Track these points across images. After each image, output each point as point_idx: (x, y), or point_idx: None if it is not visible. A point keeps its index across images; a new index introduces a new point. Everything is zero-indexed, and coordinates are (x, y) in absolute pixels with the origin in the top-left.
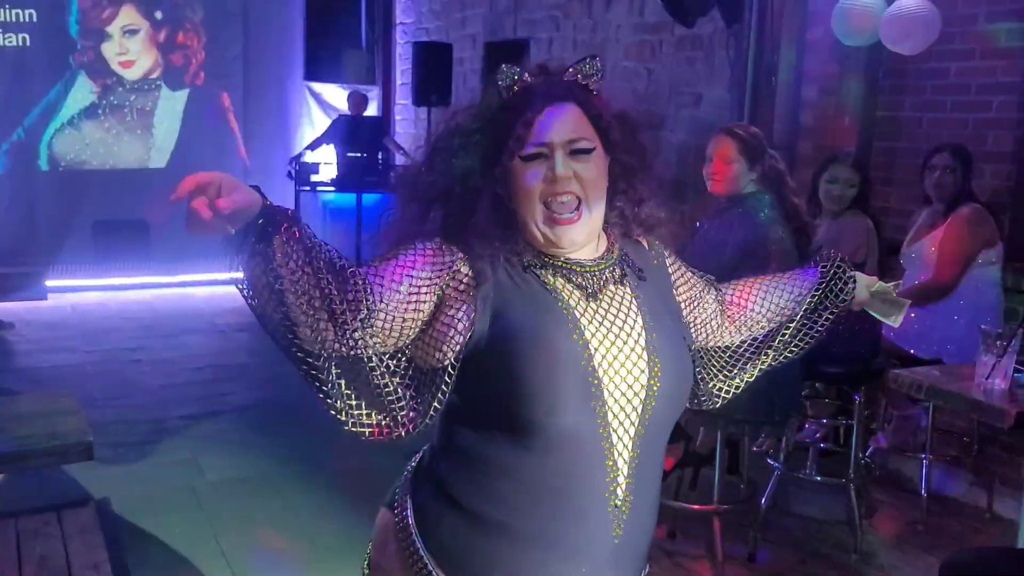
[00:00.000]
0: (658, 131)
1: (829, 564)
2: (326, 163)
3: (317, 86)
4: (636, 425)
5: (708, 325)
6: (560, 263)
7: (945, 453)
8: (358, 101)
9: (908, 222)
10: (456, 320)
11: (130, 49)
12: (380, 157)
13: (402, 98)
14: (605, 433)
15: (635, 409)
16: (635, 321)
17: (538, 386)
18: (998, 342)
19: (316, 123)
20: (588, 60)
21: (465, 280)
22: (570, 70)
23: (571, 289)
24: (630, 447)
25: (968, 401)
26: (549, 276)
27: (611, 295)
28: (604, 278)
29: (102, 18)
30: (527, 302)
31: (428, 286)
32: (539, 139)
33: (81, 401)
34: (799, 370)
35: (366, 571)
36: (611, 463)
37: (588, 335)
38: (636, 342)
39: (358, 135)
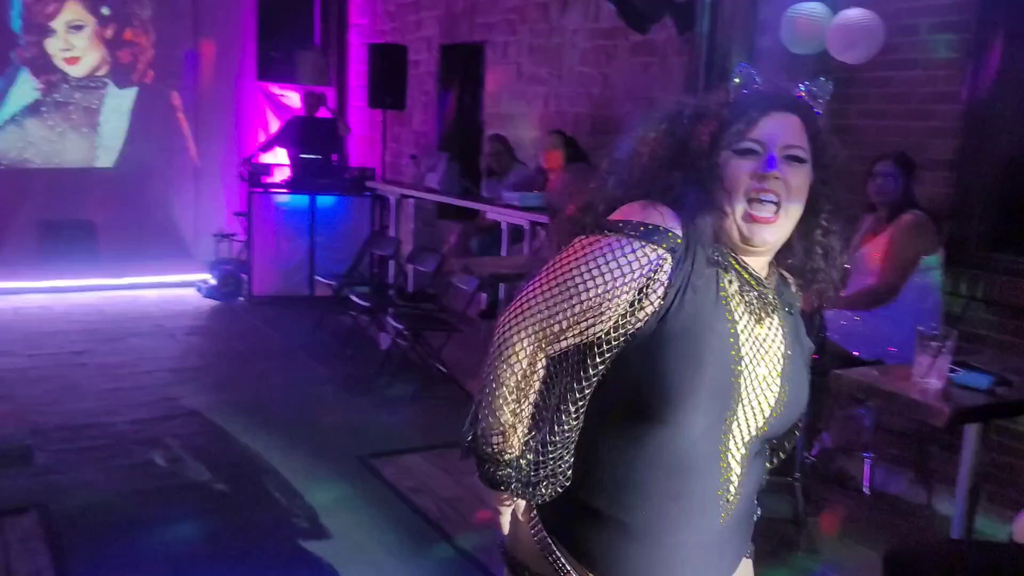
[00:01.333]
0: (613, 135)
1: (776, 560)
2: (279, 164)
3: (270, 86)
4: (752, 436)
5: None
6: (739, 267)
7: (887, 452)
8: (313, 101)
9: (853, 228)
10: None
11: (75, 45)
12: (335, 159)
13: (357, 100)
14: (725, 447)
15: (758, 427)
16: (779, 348)
17: (683, 396)
18: (933, 343)
19: (269, 124)
20: (822, 81)
21: (664, 269)
22: (802, 86)
23: (741, 304)
24: (742, 453)
25: (905, 401)
26: (726, 282)
27: (770, 324)
28: (769, 303)
29: (46, 13)
30: (700, 304)
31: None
32: (758, 136)
33: (24, 406)
34: None
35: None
36: (725, 468)
37: (743, 353)
38: (775, 368)
39: (312, 136)
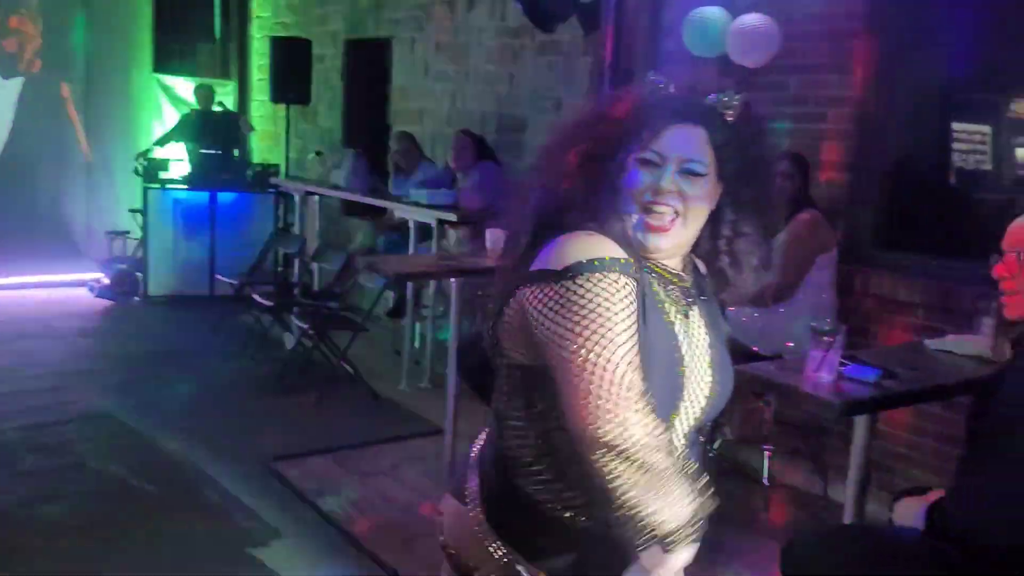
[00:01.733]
0: (520, 134)
1: None
2: (177, 160)
3: (168, 79)
4: (691, 427)
5: None
6: (657, 268)
7: (786, 444)
8: (205, 95)
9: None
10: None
11: None
12: (235, 154)
13: (259, 94)
14: (668, 434)
15: (695, 416)
16: (705, 338)
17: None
18: (824, 338)
19: (167, 118)
20: (732, 95)
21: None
22: (711, 96)
23: (669, 303)
24: (684, 442)
25: (799, 394)
26: (655, 284)
27: (694, 315)
28: (691, 296)
29: None
30: (647, 315)
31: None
32: (659, 148)
33: None
34: None
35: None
36: None
37: (683, 352)
38: (704, 358)
39: (211, 131)
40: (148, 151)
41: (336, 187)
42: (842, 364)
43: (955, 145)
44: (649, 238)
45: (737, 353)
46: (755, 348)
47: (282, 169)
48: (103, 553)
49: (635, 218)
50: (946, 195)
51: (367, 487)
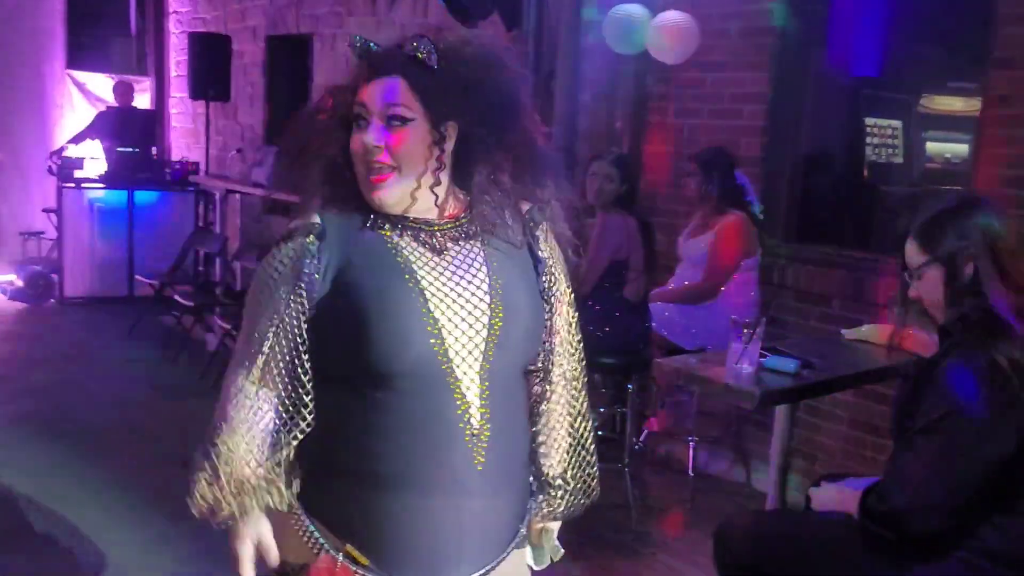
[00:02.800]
0: None
1: (606, 544)
2: (92, 158)
3: (81, 75)
4: (480, 360)
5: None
6: (409, 222)
7: (708, 435)
8: (124, 91)
9: (680, 223)
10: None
11: None
12: (153, 152)
13: (178, 90)
14: (448, 369)
15: (477, 347)
16: (478, 270)
17: (376, 333)
18: (744, 330)
19: (81, 115)
20: (421, 40)
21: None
22: (405, 46)
23: (415, 245)
24: (477, 380)
25: (720, 386)
26: (394, 234)
27: (457, 250)
28: (450, 236)
29: None
30: (364, 258)
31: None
32: (362, 100)
33: None
34: None
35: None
36: (459, 396)
37: (425, 284)
38: (479, 288)
39: (128, 128)
40: (62, 149)
41: (257, 185)
42: (762, 356)
43: (868, 140)
44: (374, 194)
45: (660, 347)
46: (678, 342)
47: (202, 166)
48: None
49: (362, 175)
50: (859, 188)
51: None
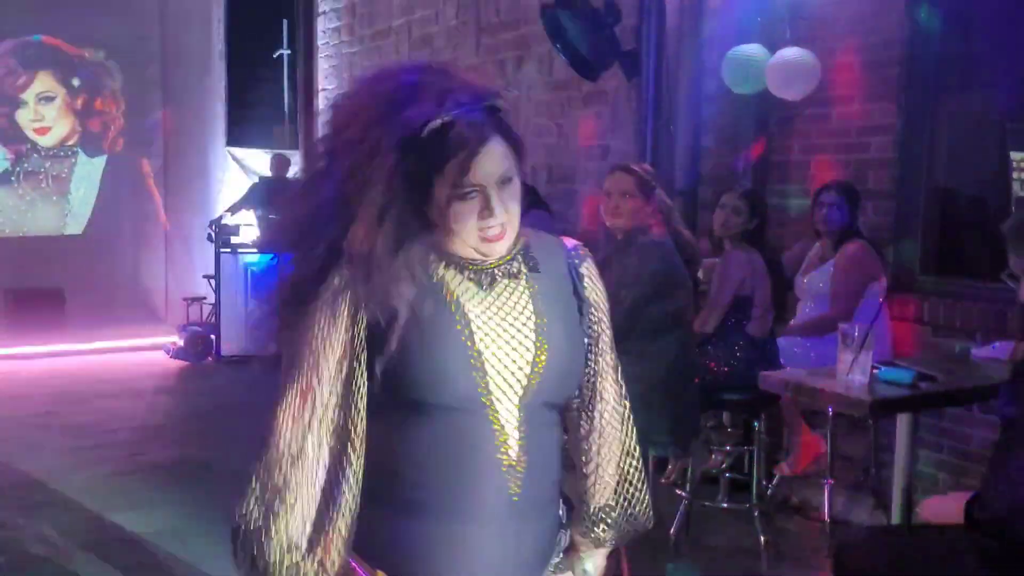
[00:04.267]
0: (571, 184)
1: None
2: (247, 225)
3: (239, 151)
4: (520, 394)
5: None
6: (456, 259)
7: (846, 478)
8: (280, 163)
9: (802, 257)
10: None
11: (46, 116)
12: None
13: None
14: (488, 401)
15: (518, 381)
16: (524, 307)
17: (421, 365)
18: (854, 339)
19: (237, 188)
20: (501, 92)
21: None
22: (496, 99)
23: (461, 279)
24: (516, 413)
25: (828, 394)
26: (440, 269)
27: (503, 287)
28: (497, 273)
29: (17, 85)
30: (419, 303)
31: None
32: (476, 181)
33: None
34: (696, 395)
35: None
36: (498, 427)
37: (472, 317)
38: (524, 324)
39: (280, 196)
40: (220, 218)
41: None
42: (875, 368)
43: (1016, 174)
44: (488, 248)
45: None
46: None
47: None
48: None
49: (472, 239)
50: (997, 218)
51: None
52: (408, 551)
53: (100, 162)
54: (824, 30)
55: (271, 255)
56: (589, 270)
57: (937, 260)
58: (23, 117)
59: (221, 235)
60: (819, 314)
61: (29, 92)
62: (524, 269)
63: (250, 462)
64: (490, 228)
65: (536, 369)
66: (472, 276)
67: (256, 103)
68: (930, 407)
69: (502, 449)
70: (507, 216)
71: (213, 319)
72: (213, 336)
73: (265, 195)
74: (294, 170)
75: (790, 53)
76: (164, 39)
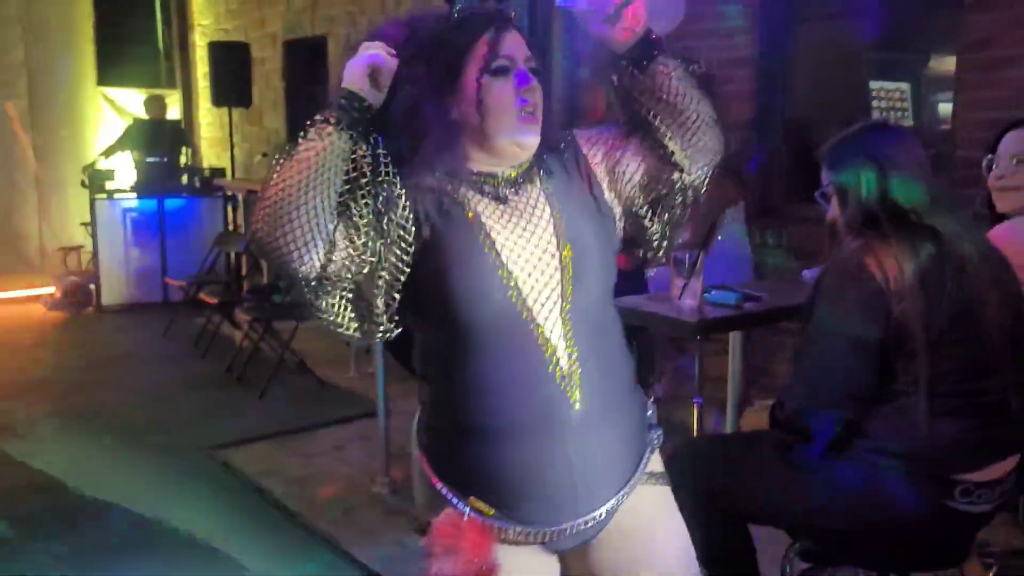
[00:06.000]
0: None
1: None
2: (124, 168)
3: (111, 91)
4: (559, 302)
5: (638, 168)
6: (475, 177)
7: (714, 396)
8: (157, 105)
9: None
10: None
11: None
12: (181, 162)
13: (205, 101)
14: (528, 317)
15: (554, 290)
16: (543, 212)
17: (455, 291)
18: (684, 265)
19: (112, 129)
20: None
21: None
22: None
23: (479, 198)
24: (560, 323)
25: (661, 318)
26: (462, 188)
27: (519, 196)
28: (512, 184)
29: None
30: (439, 213)
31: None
32: (505, 52)
33: None
34: None
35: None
36: (544, 341)
37: (494, 233)
38: (545, 230)
39: (156, 139)
40: (94, 163)
41: None
42: (707, 291)
43: (875, 103)
44: (527, 136)
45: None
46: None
47: (228, 172)
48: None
49: (512, 125)
50: None
51: (310, 466)
52: (489, 474)
53: None
54: None
55: None
56: (580, 140)
57: (795, 187)
58: None
59: (96, 180)
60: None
61: None
62: (538, 175)
63: (135, 410)
64: (528, 105)
65: (567, 272)
66: (489, 192)
67: (127, 39)
68: (752, 326)
69: (553, 361)
70: (540, 102)
71: (93, 268)
72: (93, 286)
73: (142, 138)
74: (172, 110)
75: None
76: None
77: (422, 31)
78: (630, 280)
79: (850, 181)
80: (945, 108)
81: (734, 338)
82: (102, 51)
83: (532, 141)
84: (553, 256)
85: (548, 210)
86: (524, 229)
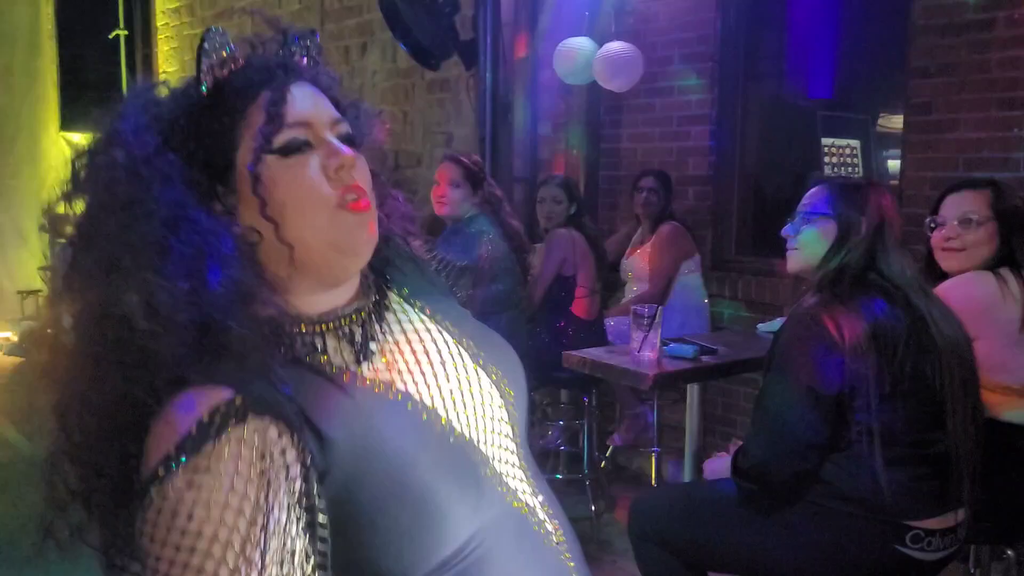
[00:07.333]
0: (416, 169)
1: None
2: None
3: (74, 136)
4: (516, 452)
5: None
6: (314, 323)
7: (672, 446)
8: None
9: (627, 241)
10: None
11: None
12: None
13: None
14: (504, 489)
15: (508, 438)
16: (438, 338)
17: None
18: (644, 319)
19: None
20: (308, 35)
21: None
22: (293, 46)
23: (339, 349)
24: (524, 477)
25: (619, 370)
26: (315, 353)
27: (390, 318)
28: (370, 318)
29: None
30: (311, 394)
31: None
32: (298, 118)
33: None
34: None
35: None
36: (526, 509)
37: (380, 381)
38: (451, 358)
39: None
40: (54, 207)
41: None
42: (665, 344)
43: (827, 159)
44: (358, 229)
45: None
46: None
47: None
48: None
49: (329, 216)
50: None
51: None
52: None
53: None
54: (646, 25)
55: None
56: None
57: (750, 240)
58: None
59: (54, 223)
60: (641, 292)
61: None
62: (394, 289)
63: None
64: (348, 183)
65: (511, 412)
66: (347, 334)
67: (92, 86)
68: (709, 379)
69: (544, 528)
70: (365, 179)
71: None
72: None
73: None
74: None
75: (615, 46)
76: None
77: (175, 101)
78: (591, 329)
79: (854, 220)
80: (894, 164)
81: (691, 390)
82: (66, 96)
83: (369, 235)
84: (501, 408)
85: (442, 336)
86: (427, 365)
